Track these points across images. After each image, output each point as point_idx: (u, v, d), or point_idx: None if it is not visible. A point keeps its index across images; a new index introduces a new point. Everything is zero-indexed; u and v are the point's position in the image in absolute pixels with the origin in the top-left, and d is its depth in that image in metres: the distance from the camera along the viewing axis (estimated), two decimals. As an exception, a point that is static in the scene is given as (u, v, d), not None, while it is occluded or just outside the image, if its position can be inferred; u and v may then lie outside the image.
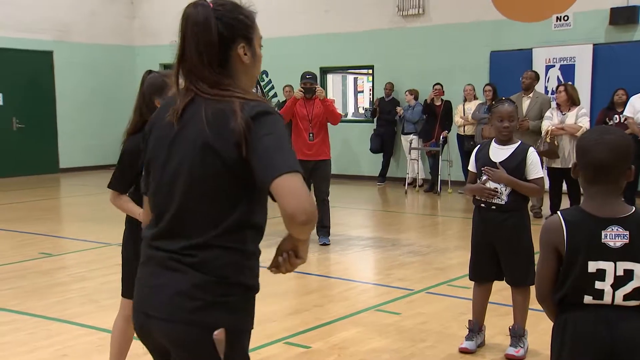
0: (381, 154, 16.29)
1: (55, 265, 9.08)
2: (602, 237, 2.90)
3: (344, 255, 9.46)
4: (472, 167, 5.84)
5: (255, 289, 2.70)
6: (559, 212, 3.04)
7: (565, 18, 14.18)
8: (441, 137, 14.89)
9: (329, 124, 9.97)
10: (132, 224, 4.39)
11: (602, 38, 14.06)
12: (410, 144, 15.58)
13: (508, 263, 5.53)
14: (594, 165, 2.95)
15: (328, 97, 11.20)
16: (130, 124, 4.42)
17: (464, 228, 11.65)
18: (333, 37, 17.36)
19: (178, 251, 2.59)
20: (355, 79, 23.88)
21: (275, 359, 5.51)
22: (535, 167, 5.53)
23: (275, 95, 18.24)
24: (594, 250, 2.90)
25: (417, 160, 15.75)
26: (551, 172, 11.47)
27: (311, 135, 9.73)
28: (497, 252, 5.57)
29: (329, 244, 9.78)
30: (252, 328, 2.72)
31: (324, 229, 9.91)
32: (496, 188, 5.48)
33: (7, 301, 7.27)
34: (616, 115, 12.34)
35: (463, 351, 5.62)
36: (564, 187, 11.51)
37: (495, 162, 5.53)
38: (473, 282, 5.88)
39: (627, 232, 2.90)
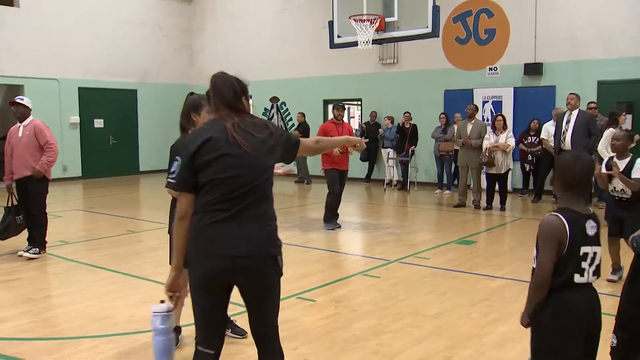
0: (367, 162, 16.24)
1: (137, 239, 9.07)
2: (586, 228, 2.90)
3: (340, 235, 9.39)
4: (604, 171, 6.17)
5: None
6: (557, 213, 2.91)
7: (495, 69, 14.16)
8: (410, 150, 14.84)
9: None
10: None
11: (520, 83, 14.04)
12: (388, 155, 15.52)
13: None
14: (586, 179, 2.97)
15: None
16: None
17: (427, 216, 11.65)
18: (333, 78, 17.30)
19: None
20: (349, 108, 23.76)
21: (291, 309, 5.47)
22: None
23: (290, 119, 18.22)
24: (583, 238, 2.88)
25: (393, 167, 15.67)
26: (489, 176, 11.57)
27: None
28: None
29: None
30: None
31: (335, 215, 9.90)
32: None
33: (105, 263, 7.33)
34: (530, 137, 12.46)
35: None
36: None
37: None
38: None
39: (596, 224, 2.94)
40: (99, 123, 18.06)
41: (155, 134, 18.78)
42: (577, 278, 2.86)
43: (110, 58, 17.98)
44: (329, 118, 9.93)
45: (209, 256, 2.83)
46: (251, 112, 3.10)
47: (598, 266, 2.94)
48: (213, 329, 3.01)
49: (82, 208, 12.45)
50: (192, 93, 4.57)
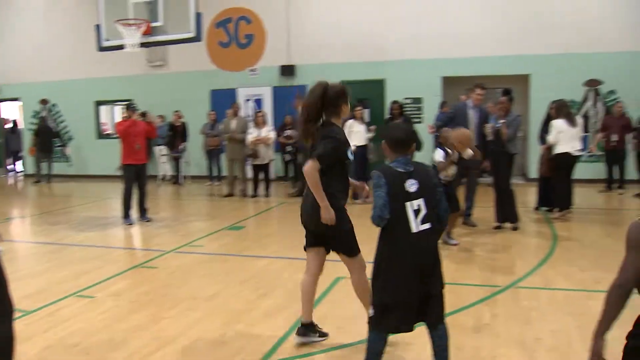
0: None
1: None
2: None
3: (117, 230, 8.95)
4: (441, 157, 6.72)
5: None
6: None
7: (255, 70, 14.52)
8: (180, 146, 14.69)
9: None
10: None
11: (277, 83, 14.68)
12: (160, 151, 15.20)
13: None
14: None
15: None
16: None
17: (200, 206, 11.63)
18: (104, 80, 16.46)
19: None
20: (121, 109, 22.80)
21: (70, 308, 5.13)
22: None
23: (63, 121, 17.16)
24: None
25: (166, 163, 15.39)
26: (254, 167, 11.91)
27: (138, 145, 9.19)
28: None
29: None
30: None
31: (144, 210, 9.54)
32: None
33: None
34: (286, 130, 13.07)
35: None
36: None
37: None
38: None
39: None
40: None
41: None
42: None
43: None
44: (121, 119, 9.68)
45: None
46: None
47: None
48: None
49: None
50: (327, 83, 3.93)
